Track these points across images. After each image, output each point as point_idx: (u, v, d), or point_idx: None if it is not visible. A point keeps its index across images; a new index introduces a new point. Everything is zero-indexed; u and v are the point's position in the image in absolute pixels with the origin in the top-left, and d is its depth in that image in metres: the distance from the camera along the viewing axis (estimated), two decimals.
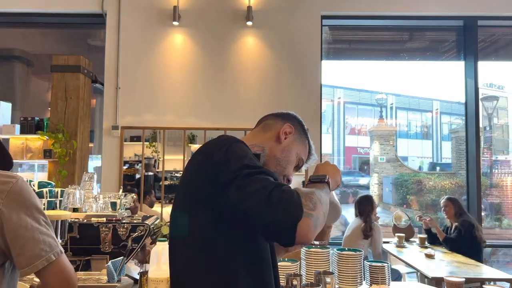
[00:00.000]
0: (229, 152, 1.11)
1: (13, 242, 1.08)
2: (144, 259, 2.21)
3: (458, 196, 4.79)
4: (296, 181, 5.03)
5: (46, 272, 1.09)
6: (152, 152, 5.64)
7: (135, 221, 1.99)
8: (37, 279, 1.44)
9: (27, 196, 1.13)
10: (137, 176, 5.11)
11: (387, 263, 2.22)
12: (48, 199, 2.26)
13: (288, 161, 1.34)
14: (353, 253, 2.21)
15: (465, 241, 4.12)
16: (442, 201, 4.47)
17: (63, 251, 1.15)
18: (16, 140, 4.40)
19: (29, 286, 1.62)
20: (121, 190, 2.74)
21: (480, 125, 5.14)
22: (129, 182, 5.11)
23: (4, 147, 1.34)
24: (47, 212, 1.89)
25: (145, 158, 4.92)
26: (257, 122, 1.42)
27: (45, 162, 4.57)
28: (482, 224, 4.85)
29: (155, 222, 2.23)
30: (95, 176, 2.52)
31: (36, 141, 4.41)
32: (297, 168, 1.39)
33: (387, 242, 4.56)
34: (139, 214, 3.74)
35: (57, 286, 1.11)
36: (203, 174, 1.12)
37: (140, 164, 4.98)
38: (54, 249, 1.11)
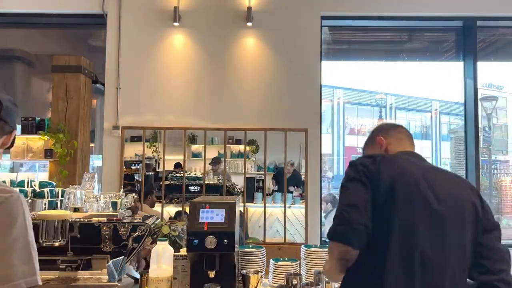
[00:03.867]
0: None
1: None
2: (139, 258, 2.23)
3: None
4: None
5: None
6: (152, 152, 5.66)
7: (135, 221, 2.00)
8: None
9: (15, 215, 1.06)
10: (138, 176, 5.12)
11: None
12: (49, 199, 2.28)
13: None
14: None
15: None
16: None
17: (39, 282, 1.06)
18: (17, 140, 4.34)
19: None
20: (121, 190, 2.75)
21: (479, 125, 5.14)
22: (130, 182, 5.12)
23: None
24: (48, 212, 1.92)
25: (145, 158, 4.93)
26: (408, 133, 1.65)
27: (46, 162, 4.58)
28: None
29: (156, 222, 2.24)
30: (96, 176, 2.53)
31: (37, 141, 4.42)
32: None
33: None
34: (140, 214, 3.75)
35: None
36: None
37: (140, 164, 5.00)
38: (26, 277, 1.03)
